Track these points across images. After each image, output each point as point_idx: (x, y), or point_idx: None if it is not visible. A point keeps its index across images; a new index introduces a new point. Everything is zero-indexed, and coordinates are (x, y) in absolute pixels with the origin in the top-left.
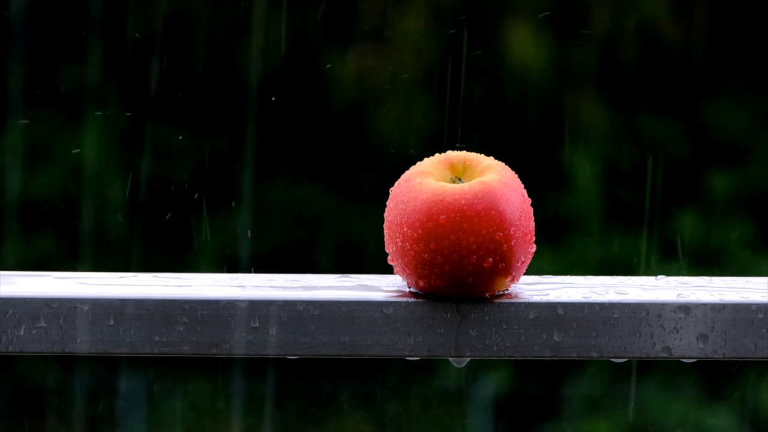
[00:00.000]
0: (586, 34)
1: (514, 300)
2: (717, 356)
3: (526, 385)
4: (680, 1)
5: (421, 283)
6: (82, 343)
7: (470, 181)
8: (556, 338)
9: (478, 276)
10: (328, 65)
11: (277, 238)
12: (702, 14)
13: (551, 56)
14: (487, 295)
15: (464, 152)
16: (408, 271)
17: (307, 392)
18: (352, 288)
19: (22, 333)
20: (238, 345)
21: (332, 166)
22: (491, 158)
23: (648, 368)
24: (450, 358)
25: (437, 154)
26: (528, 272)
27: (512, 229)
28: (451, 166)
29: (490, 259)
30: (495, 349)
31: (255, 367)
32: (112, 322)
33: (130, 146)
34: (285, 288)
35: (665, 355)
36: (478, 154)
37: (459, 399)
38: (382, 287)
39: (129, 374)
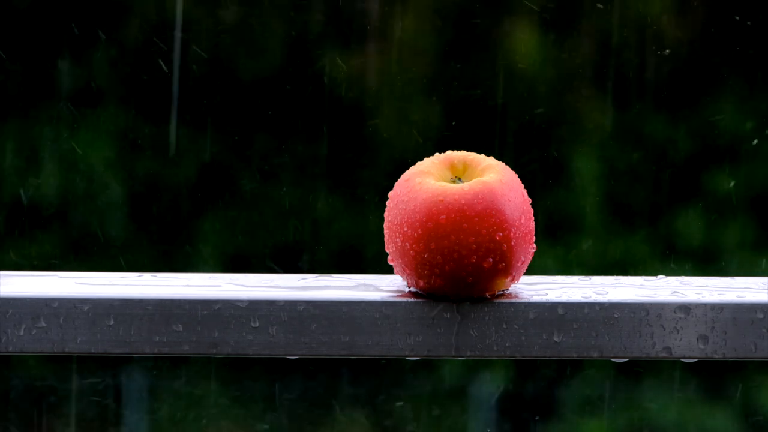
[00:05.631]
0: (587, 33)
1: (514, 300)
2: (717, 356)
3: (526, 385)
4: (681, 0)
5: (421, 283)
6: (82, 343)
7: (470, 181)
8: (556, 338)
9: (478, 276)
10: (328, 65)
11: (277, 238)
12: (703, 13)
13: (552, 55)
14: (487, 295)
15: (464, 152)
16: (408, 271)
17: (307, 392)
18: (352, 288)
19: (22, 333)
20: (238, 345)
21: (332, 165)
22: (491, 158)
23: (648, 368)
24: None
25: (437, 154)
26: (528, 272)
27: (512, 229)
28: (451, 165)
29: (490, 259)
30: (495, 349)
31: (255, 366)
32: (112, 322)
33: (130, 146)
34: (285, 288)
35: (665, 355)
36: (478, 154)
37: (459, 398)
38: (382, 287)
39: (129, 374)
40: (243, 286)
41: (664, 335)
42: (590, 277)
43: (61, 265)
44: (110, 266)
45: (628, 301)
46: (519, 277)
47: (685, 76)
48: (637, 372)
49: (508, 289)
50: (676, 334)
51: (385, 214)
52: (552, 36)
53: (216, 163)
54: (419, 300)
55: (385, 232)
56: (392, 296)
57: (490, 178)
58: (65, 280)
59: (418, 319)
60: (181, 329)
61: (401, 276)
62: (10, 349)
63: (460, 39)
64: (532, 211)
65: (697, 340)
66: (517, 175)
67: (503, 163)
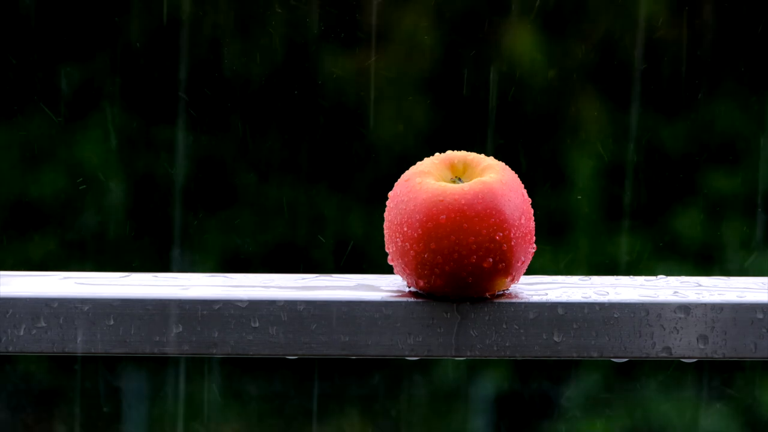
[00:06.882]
0: (586, 33)
1: (514, 300)
2: (717, 356)
3: (526, 385)
4: (680, 0)
5: (421, 283)
6: (82, 343)
7: (470, 181)
8: (556, 338)
9: (478, 276)
10: (328, 64)
11: (277, 238)
12: (702, 13)
13: (551, 55)
14: (487, 295)
15: (464, 152)
16: (408, 271)
17: (307, 392)
18: (352, 288)
19: (22, 333)
20: (238, 345)
21: (332, 165)
22: (491, 158)
23: (648, 368)
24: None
25: (437, 154)
26: (528, 272)
27: (512, 229)
28: (451, 166)
29: (490, 259)
30: (495, 349)
31: (254, 366)
32: (112, 322)
33: (129, 146)
34: (285, 288)
35: (665, 355)
36: (478, 154)
37: (459, 399)
38: (382, 287)
39: (129, 374)
40: (243, 286)
41: (664, 335)
42: (590, 277)
43: (61, 265)
44: (110, 266)
45: (628, 301)
46: (519, 277)
47: (684, 76)
48: (637, 372)
49: (508, 289)
50: (676, 334)
51: (385, 214)
52: (551, 35)
53: (216, 163)
54: (419, 300)
55: (385, 232)
56: (392, 296)
57: (490, 178)
58: (65, 280)
59: (418, 319)
60: (181, 329)
61: (401, 276)
62: (10, 349)
63: (459, 38)
64: (532, 211)
65: (697, 340)
66: (517, 175)
67: (503, 163)
